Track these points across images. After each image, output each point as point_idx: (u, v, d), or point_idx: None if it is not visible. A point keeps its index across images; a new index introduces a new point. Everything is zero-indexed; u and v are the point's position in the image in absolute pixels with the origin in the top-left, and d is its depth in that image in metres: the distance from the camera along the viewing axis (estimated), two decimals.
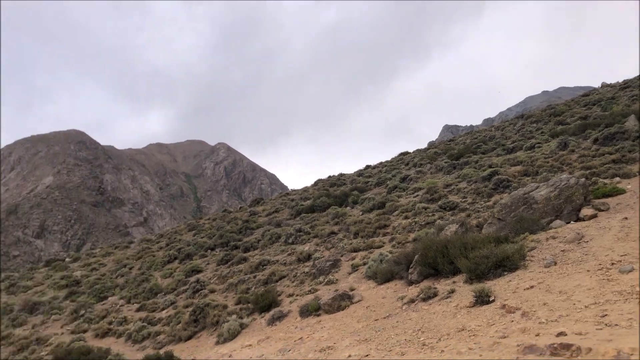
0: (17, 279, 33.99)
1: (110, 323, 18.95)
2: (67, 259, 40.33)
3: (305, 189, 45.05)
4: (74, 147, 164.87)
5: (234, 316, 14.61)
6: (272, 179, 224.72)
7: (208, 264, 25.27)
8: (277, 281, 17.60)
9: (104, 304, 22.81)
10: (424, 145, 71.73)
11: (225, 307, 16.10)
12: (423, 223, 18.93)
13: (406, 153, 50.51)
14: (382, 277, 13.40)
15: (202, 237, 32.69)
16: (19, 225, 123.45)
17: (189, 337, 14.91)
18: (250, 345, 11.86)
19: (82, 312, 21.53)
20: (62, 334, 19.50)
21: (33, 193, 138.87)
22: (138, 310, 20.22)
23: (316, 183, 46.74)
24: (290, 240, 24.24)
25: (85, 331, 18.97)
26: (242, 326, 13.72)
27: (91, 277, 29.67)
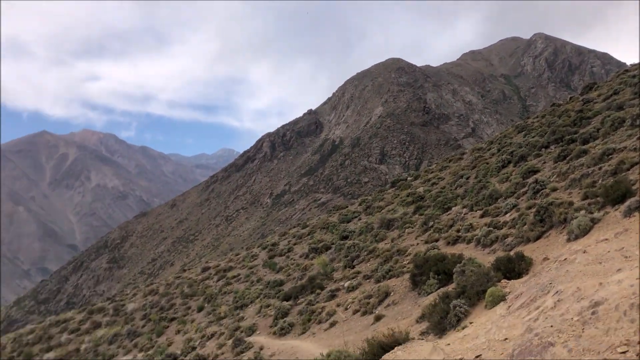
0: (371, 201, 38.84)
1: (458, 231, 20.05)
2: (408, 178, 44.02)
3: None
4: (395, 74, 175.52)
5: (582, 212, 13.69)
6: (605, 59, 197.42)
7: (544, 162, 24.15)
8: (627, 170, 15.69)
9: (448, 214, 24.23)
10: None
11: (570, 204, 15.22)
12: None
13: None
14: None
15: (533, 137, 31.30)
16: (363, 155, 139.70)
17: (537, 237, 14.68)
18: (606, 239, 10.97)
19: (431, 223, 23.34)
20: (417, 244, 21.59)
21: (369, 124, 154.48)
22: (482, 216, 20.81)
23: None
24: (638, 122, 21.12)
25: (436, 240, 20.58)
26: (594, 221, 12.77)
27: (433, 191, 31.77)
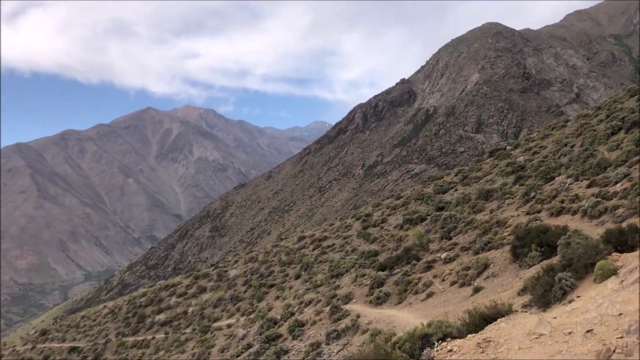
0: (468, 172, 37.78)
1: (562, 202, 19.08)
2: (507, 147, 42.25)
3: None
4: (492, 39, 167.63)
5: None
6: None
7: None
8: None
9: (551, 184, 23.08)
10: None
11: None
12: None
13: None
14: None
15: None
16: (458, 124, 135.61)
17: None
18: None
19: (532, 194, 22.36)
20: (518, 215, 20.82)
21: (464, 92, 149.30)
22: (588, 186, 19.65)
23: None
24: None
25: (539, 211, 19.71)
26: None
27: (534, 161, 30.33)
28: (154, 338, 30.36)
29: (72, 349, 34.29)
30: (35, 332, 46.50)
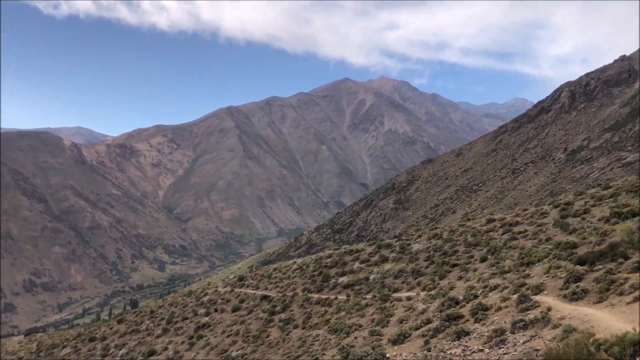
0: None
1: None
2: None
3: None
4: None
5: None
6: None
7: None
8: None
9: None
10: None
11: None
12: None
13: None
14: None
15: None
16: None
17: None
18: None
19: None
20: None
21: None
22: None
23: None
24: None
25: None
26: None
27: None
28: (336, 298, 31.96)
29: (264, 297, 37.70)
30: (234, 277, 52.03)
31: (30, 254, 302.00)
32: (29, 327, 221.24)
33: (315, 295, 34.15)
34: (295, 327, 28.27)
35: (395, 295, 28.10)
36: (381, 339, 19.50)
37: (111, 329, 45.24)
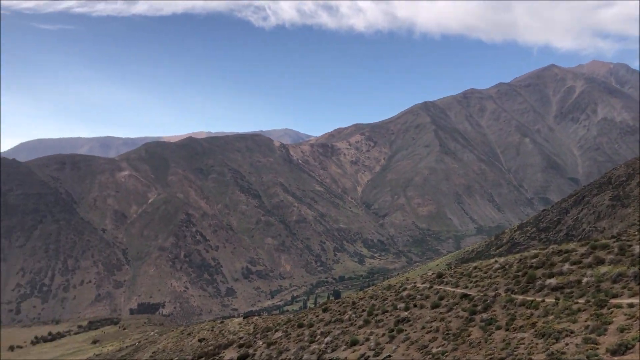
0: None
1: None
2: None
3: None
4: None
5: None
6: None
7: None
8: None
9: None
10: None
11: None
12: None
13: None
14: None
15: None
16: None
17: None
18: None
19: None
20: None
21: None
22: None
23: None
24: None
25: None
26: None
27: None
28: (543, 301, 29.95)
29: (464, 296, 36.89)
30: (432, 274, 51.83)
31: (247, 244, 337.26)
32: (246, 310, 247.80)
33: (520, 297, 32.48)
34: (498, 328, 27.25)
35: (614, 301, 25.39)
36: (597, 348, 17.89)
37: (317, 316, 48.41)
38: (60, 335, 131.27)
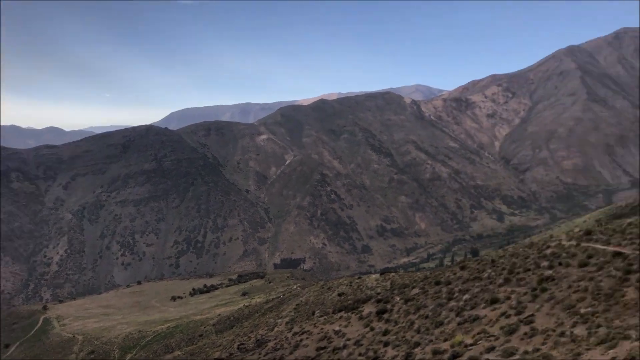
0: None
1: None
2: None
3: None
4: None
5: None
6: None
7: None
8: None
9: None
10: None
11: None
12: None
13: None
14: None
15: None
16: None
17: None
18: None
19: None
20: None
21: None
22: None
23: None
24: None
25: None
26: None
27: None
28: None
29: (617, 254, 34.16)
30: (580, 231, 48.51)
31: (380, 202, 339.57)
32: (382, 267, 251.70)
33: None
34: None
35: None
36: None
37: (454, 274, 47.79)
38: (214, 288, 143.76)
